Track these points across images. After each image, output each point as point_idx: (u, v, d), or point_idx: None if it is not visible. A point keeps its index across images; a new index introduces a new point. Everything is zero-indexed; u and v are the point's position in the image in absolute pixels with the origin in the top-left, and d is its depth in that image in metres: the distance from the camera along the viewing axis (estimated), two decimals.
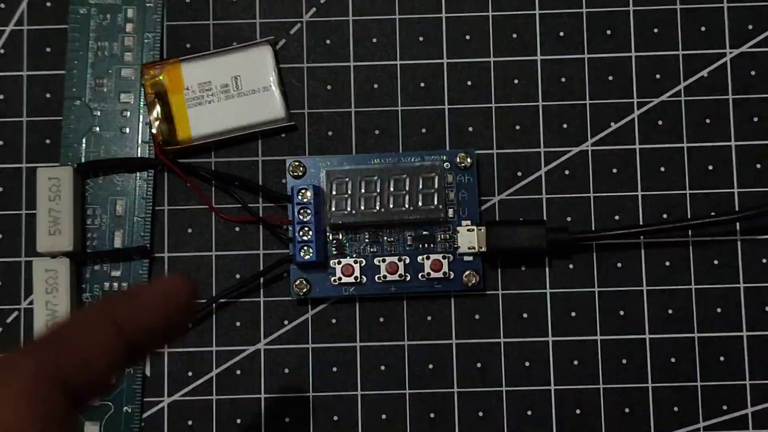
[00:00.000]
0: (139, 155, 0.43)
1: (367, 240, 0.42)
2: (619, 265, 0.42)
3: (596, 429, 0.41)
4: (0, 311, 0.42)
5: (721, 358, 0.42)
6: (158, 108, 0.42)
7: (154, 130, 0.42)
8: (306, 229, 0.41)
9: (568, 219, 0.42)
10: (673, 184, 0.42)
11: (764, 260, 0.42)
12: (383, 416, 0.42)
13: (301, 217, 0.41)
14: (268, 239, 0.43)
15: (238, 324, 0.42)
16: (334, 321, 0.42)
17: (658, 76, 0.43)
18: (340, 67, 0.43)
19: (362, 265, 0.42)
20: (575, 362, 0.42)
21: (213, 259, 0.42)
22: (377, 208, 0.41)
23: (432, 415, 0.42)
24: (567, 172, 0.43)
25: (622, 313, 0.42)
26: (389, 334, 0.42)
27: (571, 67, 0.43)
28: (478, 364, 0.42)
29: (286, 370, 0.42)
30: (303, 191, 0.41)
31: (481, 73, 0.43)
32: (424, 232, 0.42)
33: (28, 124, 0.43)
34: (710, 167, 0.43)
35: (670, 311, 0.42)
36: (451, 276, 0.41)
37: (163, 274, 0.42)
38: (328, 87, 0.43)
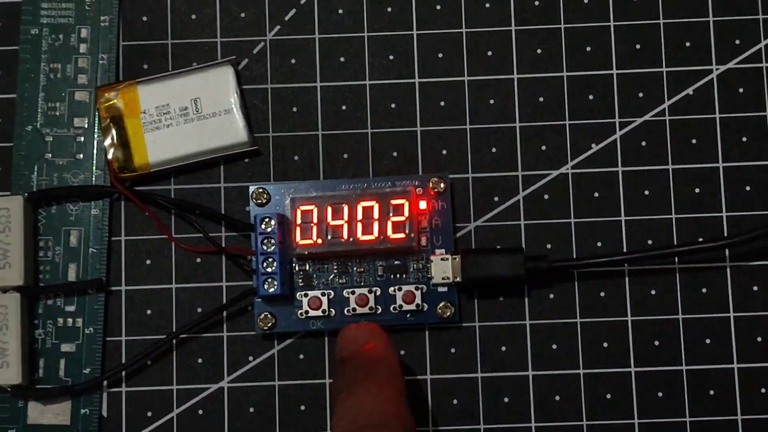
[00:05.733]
0: (94, 183, 0.40)
1: (335, 271, 0.40)
2: (602, 294, 0.40)
3: None
4: None
5: (711, 392, 0.40)
6: (114, 133, 0.40)
7: (109, 156, 0.40)
8: (270, 260, 0.39)
9: (548, 246, 0.40)
10: (658, 208, 0.40)
11: (755, 288, 0.40)
12: None
13: (264, 247, 0.39)
14: (231, 270, 0.40)
15: (200, 360, 0.40)
16: (301, 356, 0.40)
17: (641, 95, 0.41)
18: (307, 88, 0.41)
19: (330, 297, 0.39)
20: (557, 397, 0.40)
21: (173, 292, 0.40)
22: (345, 237, 0.39)
23: None
24: (546, 196, 0.41)
25: (605, 345, 0.40)
26: None
27: (550, 86, 0.41)
28: (455, 401, 0.40)
29: (252, 409, 0.40)
30: (267, 220, 0.39)
31: (455, 92, 0.41)
32: (396, 262, 0.40)
33: None
34: (697, 190, 0.41)
35: (656, 342, 0.40)
36: (425, 308, 0.39)
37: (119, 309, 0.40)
38: (294, 109, 0.41)
